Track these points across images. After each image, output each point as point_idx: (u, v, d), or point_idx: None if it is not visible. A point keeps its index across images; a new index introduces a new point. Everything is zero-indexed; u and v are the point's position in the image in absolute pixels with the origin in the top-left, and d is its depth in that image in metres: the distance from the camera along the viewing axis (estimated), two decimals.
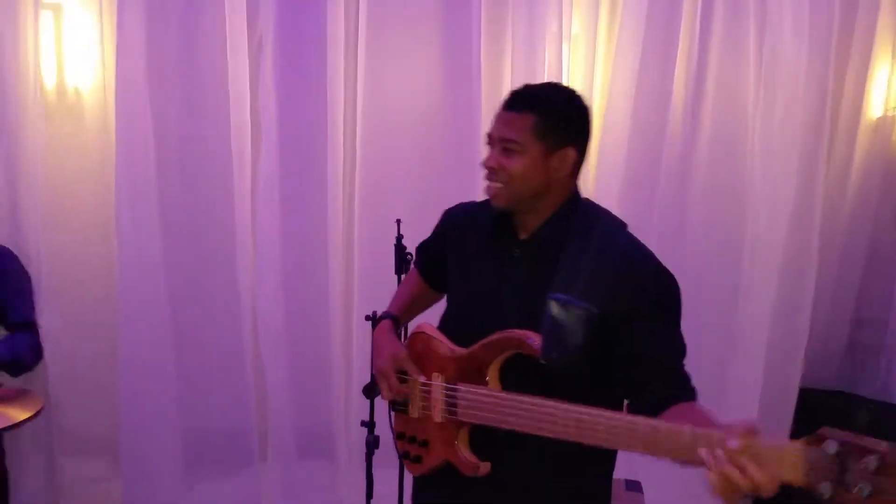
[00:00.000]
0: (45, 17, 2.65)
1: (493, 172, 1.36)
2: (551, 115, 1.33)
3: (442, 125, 2.66)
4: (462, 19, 2.58)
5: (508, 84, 2.62)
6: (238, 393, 2.65)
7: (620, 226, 1.39)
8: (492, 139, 1.37)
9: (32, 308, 2.41)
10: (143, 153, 2.53)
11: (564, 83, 1.59)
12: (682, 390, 1.27)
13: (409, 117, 2.65)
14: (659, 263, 1.33)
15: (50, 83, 2.70)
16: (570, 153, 1.34)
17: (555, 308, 1.28)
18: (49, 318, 2.46)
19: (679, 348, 1.31)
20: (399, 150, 2.67)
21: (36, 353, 2.39)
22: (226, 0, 2.53)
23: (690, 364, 1.30)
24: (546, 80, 2.43)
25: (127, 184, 2.51)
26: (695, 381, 1.29)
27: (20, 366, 2.33)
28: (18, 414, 1.97)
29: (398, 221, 2.16)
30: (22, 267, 2.44)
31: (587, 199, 1.44)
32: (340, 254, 2.68)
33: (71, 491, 2.70)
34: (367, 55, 2.60)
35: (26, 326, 2.38)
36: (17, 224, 2.52)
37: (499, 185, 1.35)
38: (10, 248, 2.45)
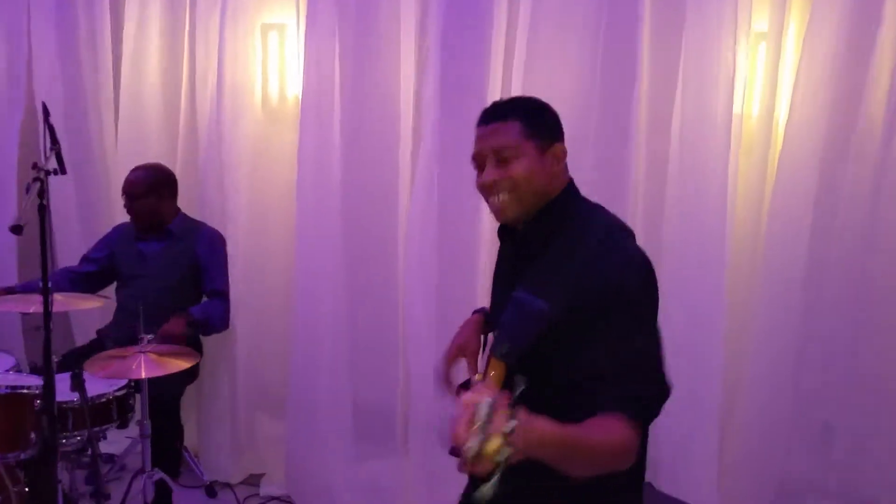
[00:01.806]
0: (272, 36, 3.14)
1: (492, 188, 1.36)
2: (534, 117, 1.37)
3: (598, 132, 2.59)
4: (625, 24, 2.49)
5: (678, 88, 2.47)
6: (388, 379, 2.86)
7: (604, 225, 1.35)
8: (480, 157, 1.38)
9: (226, 281, 2.89)
10: (326, 153, 2.83)
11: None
12: (607, 401, 1.17)
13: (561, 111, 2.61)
14: (623, 266, 1.25)
15: (273, 93, 3.18)
16: (560, 147, 1.38)
17: (512, 304, 1.27)
18: (239, 290, 2.91)
19: (626, 355, 1.21)
20: None
21: (223, 319, 2.86)
22: (401, 24, 2.76)
23: None
24: (722, 82, 2.35)
25: (308, 179, 2.83)
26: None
27: (209, 327, 2.82)
28: (183, 364, 2.40)
29: None
30: (225, 247, 2.92)
31: (584, 198, 1.42)
32: (491, 252, 2.74)
33: (251, 444, 3.15)
34: (527, 56, 2.63)
35: (220, 295, 2.87)
36: (225, 212, 2.99)
37: (504, 196, 1.34)
38: (220, 230, 2.96)
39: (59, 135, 3.07)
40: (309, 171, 2.83)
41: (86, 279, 2.91)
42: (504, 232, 1.47)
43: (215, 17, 2.96)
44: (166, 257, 2.87)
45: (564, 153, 1.39)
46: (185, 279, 2.87)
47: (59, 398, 2.24)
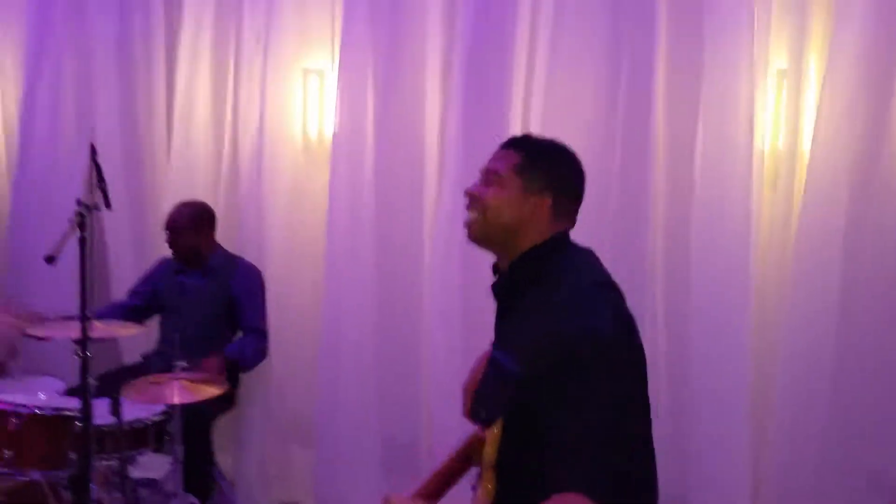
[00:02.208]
0: (312, 80, 3.31)
1: (471, 201, 1.41)
2: (536, 160, 1.38)
3: (619, 163, 2.63)
4: (643, 59, 2.54)
5: (697, 117, 2.51)
6: (414, 413, 2.92)
7: (578, 283, 1.30)
8: (481, 172, 1.43)
9: (262, 317, 3.01)
10: (356, 190, 2.95)
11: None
12: (562, 478, 1.15)
13: (578, 146, 2.66)
14: (585, 327, 1.21)
15: (312, 134, 3.34)
16: (546, 201, 1.35)
17: (490, 363, 1.30)
18: (273, 322, 3.04)
19: (579, 427, 1.17)
20: None
21: (257, 356, 2.98)
22: (426, 63, 2.88)
23: None
24: (742, 116, 2.37)
25: (339, 217, 2.96)
26: None
27: (242, 366, 2.95)
28: (214, 391, 2.51)
29: None
30: (262, 282, 3.06)
31: (575, 250, 1.40)
32: None
33: (284, 474, 3.23)
34: (546, 87, 2.70)
35: (255, 331, 2.99)
36: (262, 248, 3.15)
37: (473, 214, 1.39)
38: (258, 266, 3.11)
39: (118, 176, 3.32)
40: (340, 209, 2.96)
41: (133, 311, 3.08)
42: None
43: (258, 63, 3.15)
44: (204, 291, 3.02)
45: (549, 208, 1.35)
46: (222, 313, 3.01)
47: (98, 421, 2.39)
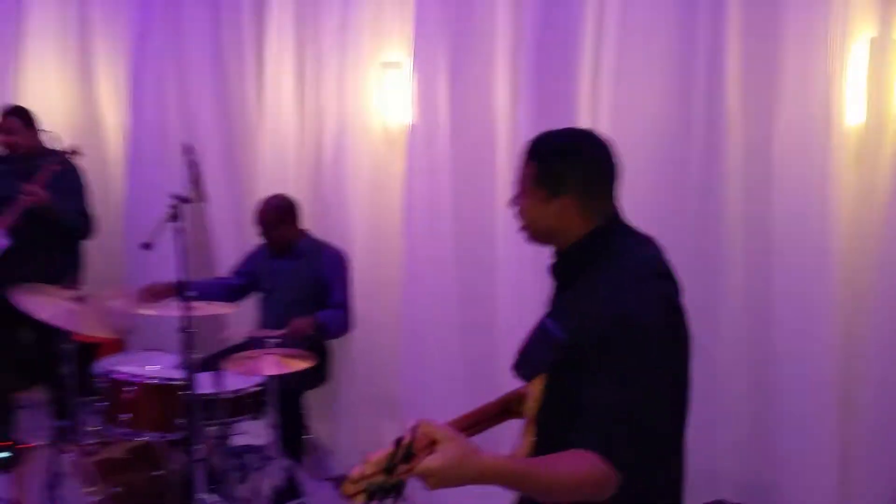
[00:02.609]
0: (391, 73, 3.45)
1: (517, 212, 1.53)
2: (550, 165, 1.44)
3: (688, 139, 2.61)
4: (713, 27, 2.50)
5: (776, 93, 2.46)
6: (491, 384, 3.02)
7: (623, 268, 1.38)
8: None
9: (348, 294, 3.22)
10: (432, 179, 3.10)
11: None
12: (580, 438, 1.26)
13: (651, 131, 2.68)
14: (625, 309, 1.30)
15: (392, 125, 3.47)
16: (567, 202, 1.41)
17: (538, 328, 1.44)
18: (357, 304, 3.25)
19: (606, 403, 1.27)
20: (640, 166, 2.72)
21: (343, 326, 3.19)
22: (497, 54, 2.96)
23: None
24: (826, 89, 2.30)
25: (415, 203, 3.13)
26: None
27: (329, 331, 3.16)
28: (302, 364, 2.73)
29: None
30: (347, 264, 3.27)
31: (629, 235, 1.46)
32: None
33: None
34: (616, 73, 2.72)
35: (341, 306, 3.20)
36: (346, 233, 3.37)
37: (521, 223, 1.50)
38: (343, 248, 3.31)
39: (218, 167, 3.60)
40: (416, 195, 3.13)
41: (236, 289, 3.36)
42: None
43: (336, 59, 3.34)
44: (295, 274, 3.27)
45: (574, 207, 1.41)
46: (311, 293, 3.25)
47: (203, 391, 2.66)
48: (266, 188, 3.46)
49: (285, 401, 2.99)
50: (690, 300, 2.23)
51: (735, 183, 2.55)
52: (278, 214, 3.24)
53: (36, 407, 4.14)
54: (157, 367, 2.86)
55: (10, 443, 3.61)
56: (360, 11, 3.26)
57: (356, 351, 3.34)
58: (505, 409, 1.63)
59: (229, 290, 3.33)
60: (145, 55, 3.91)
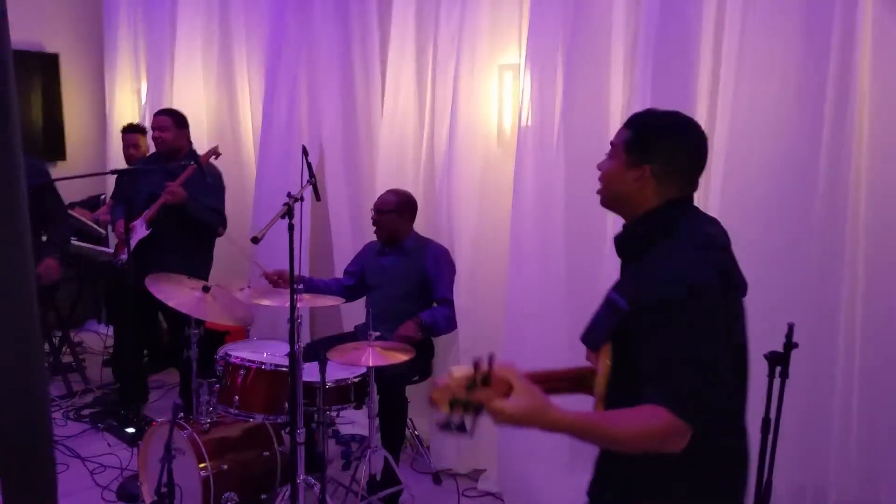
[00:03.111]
0: (507, 75, 3.49)
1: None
2: (640, 134, 1.52)
3: (810, 144, 2.48)
4: (841, 28, 2.38)
5: None
6: None
7: (688, 239, 1.45)
8: None
9: (451, 289, 3.28)
10: (542, 182, 3.09)
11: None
12: (649, 394, 1.34)
13: (773, 133, 2.58)
14: (684, 283, 1.37)
15: (507, 127, 3.51)
16: (646, 172, 1.49)
17: (605, 300, 1.51)
18: (462, 301, 3.29)
19: (669, 361, 1.35)
20: (760, 169, 2.62)
21: (449, 323, 3.25)
22: (611, 56, 2.94)
23: None
24: None
25: (523, 206, 3.12)
26: None
27: (436, 329, 3.23)
28: (402, 357, 2.81)
29: None
30: (450, 260, 3.34)
31: (694, 215, 1.52)
32: None
33: (476, 441, 3.44)
34: (736, 77, 2.63)
35: (446, 302, 3.27)
36: (453, 232, 3.41)
37: (600, 185, 1.59)
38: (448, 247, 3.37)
39: (339, 165, 3.78)
40: (525, 196, 3.11)
41: (348, 290, 3.52)
42: None
43: (453, 62, 3.40)
44: (400, 270, 3.37)
45: (649, 178, 1.49)
46: (415, 288, 3.35)
47: (308, 379, 2.80)
48: (383, 188, 3.58)
49: (387, 393, 3.09)
50: (812, 307, 2.14)
51: (861, 188, 2.45)
52: (397, 205, 3.37)
53: (167, 388, 4.53)
54: (269, 353, 3.03)
55: (139, 419, 3.95)
56: (478, 16, 3.31)
57: (459, 347, 3.38)
58: (578, 380, 1.67)
59: (343, 290, 3.49)
60: (279, 62, 4.14)
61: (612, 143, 1.57)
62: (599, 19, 2.95)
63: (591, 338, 1.52)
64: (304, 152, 2.88)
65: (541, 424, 1.27)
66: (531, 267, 3.11)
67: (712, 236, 1.48)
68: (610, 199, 1.57)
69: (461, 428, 1.26)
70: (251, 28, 4.51)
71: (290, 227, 2.59)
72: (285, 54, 4.10)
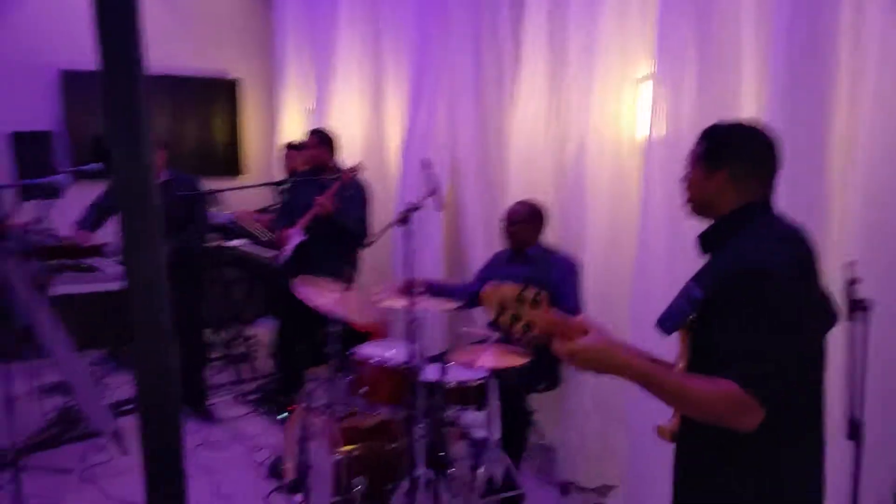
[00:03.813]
0: (644, 87, 3.50)
1: None
2: (715, 144, 1.68)
3: None
4: None
5: None
6: None
7: (762, 236, 1.55)
8: None
9: (578, 299, 3.34)
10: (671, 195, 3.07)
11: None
12: (721, 371, 1.43)
13: None
14: (757, 267, 1.46)
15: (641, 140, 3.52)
16: (720, 176, 1.63)
17: (683, 289, 1.61)
18: (589, 309, 3.34)
19: (742, 343, 1.43)
20: None
21: None
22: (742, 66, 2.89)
23: None
24: None
25: (651, 220, 3.12)
26: None
27: None
28: (518, 361, 2.92)
29: None
30: (578, 270, 3.40)
31: (772, 216, 1.63)
32: None
33: (606, 456, 3.48)
34: (876, 80, 2.51)
35: (572, 312, 3.31)
36: (581, 242, 3.49)
37: (686, 195, 1.74)
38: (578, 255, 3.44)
39: (472, 176, 3.97)
40: (653, 207, 3.11)
41: (476, 294, 3.67)
42: None
43: (583, 74, 3.48)
44: (527, 278, 3.43)
45: (724, 181, 1.63)
46: None
47: (429, 378, 2.99)
48: (514, 198, 3.71)
49: (509, 397, 3.20)
50: None
51: None
52: (527, 216, 3.49)
53: (320, 381, 4.93)
54: (395, 352, 3.26)
55: (293, 407, 4.36)
56: (609, 29, 3.37)
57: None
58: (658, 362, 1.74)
59: (468, 295, 3.65)
60: (421, 82, 4.41)
61: (690, 157, 1.71)
62: (728, 28, 2.91)
63: (667, 324, 1.62)
64: (425, 165, 3.08)
65: (614, 364, 1.43)
66: (657, 278, 3.10)
67: (790, 231, 1.58)
68: (696, 206, 1.70)
69: (507, 333, 1.44)
70: (399, 52, 4.82)
71: (408, 234, 2.80)
72: (427, 75, 4.35)
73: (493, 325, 1.44)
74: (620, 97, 3.47)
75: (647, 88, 3.41)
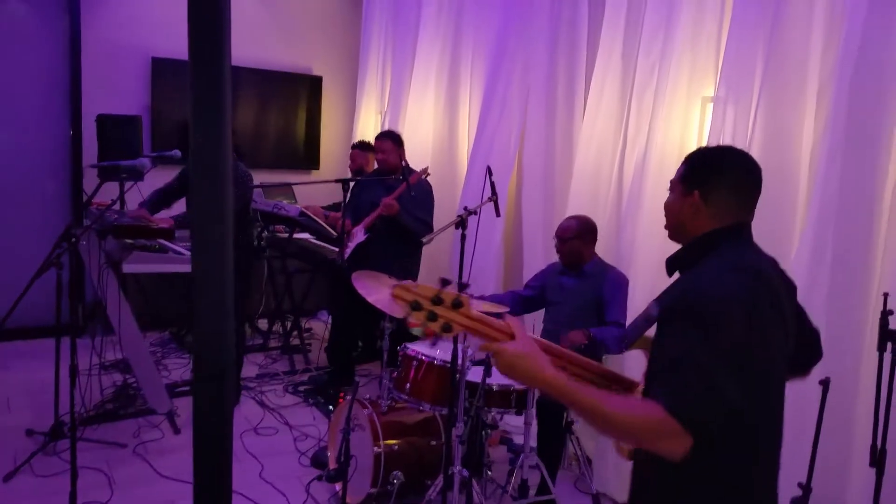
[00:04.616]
0: (705, 107, 3.46)
1: None
2: (689, 166, 1.63)
3: None
4: None
5: None
6: None
7: (722, 260, 1.50)
8: None
9: (624, 314, 3.32)
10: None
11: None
12: (653, 390, 1.41)
13: None
14: (701, 294, 1.42)
15: None
16: (696, 199, 1.57)
17: (644, 311, 1.64)
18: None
19: (672, 365, 1.38)
20: None
21: (616, 343, 3.29)
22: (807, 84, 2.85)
23: None
24: None
25: None
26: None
27: (603, 345, 3.29)
28: None
29: None
30: (627, 287, 3.39)
31: (735, 247, 1.54)
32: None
33: None
34: None
35: (617, 324, 3.31)
36: (633, 260, 3.48)
37: (665, 217, 1.70)
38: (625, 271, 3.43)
39: (538, 185, 4.00)
40: None
41: (526, 301, 3.70)
42: None
43: (651, 90, 3.46)
44: (579, 291, 3.47)
45: (696, 203, 1.57)
46: (591, 309, 3.42)
47: (472, 378, 3.03)
48: (574, 211, 3.72)
49: (549, 405, 3.22)
50: None
51: None
52: (577, 231, 3.49)
53: (373, 377, 5.02)
54: (441, 351, 3.30)
55: (341, 400, 4.45)
56: (678, 47, 3.35)
57: (625, 370, 3.40)
58: (610, 379, 1.68)
59: (519, 300, 3.68)
60: (494, 89, 4.47)
61: (671, 181, 1.67)
62: (796, 50, 2.88)
63: (622, 341, 1.63)
64: (489, 172, 3.13)
65: (534, 377, 1.38)
66: None
67: (749, 261, 1.50)
68: (671, 228, 1.66)
69: (416, 333, 1.38)
70: (476, 60, 4.90)
71: (463, 238, 2.84)
72: (501, 83, 4.41)
73: (402, 322, 1.38)
74: (687, 115, 3.45)
75: (712, 107, 3.38)
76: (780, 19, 2.88)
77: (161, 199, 4.38)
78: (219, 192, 1.67)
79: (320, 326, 6.13)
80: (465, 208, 2.93)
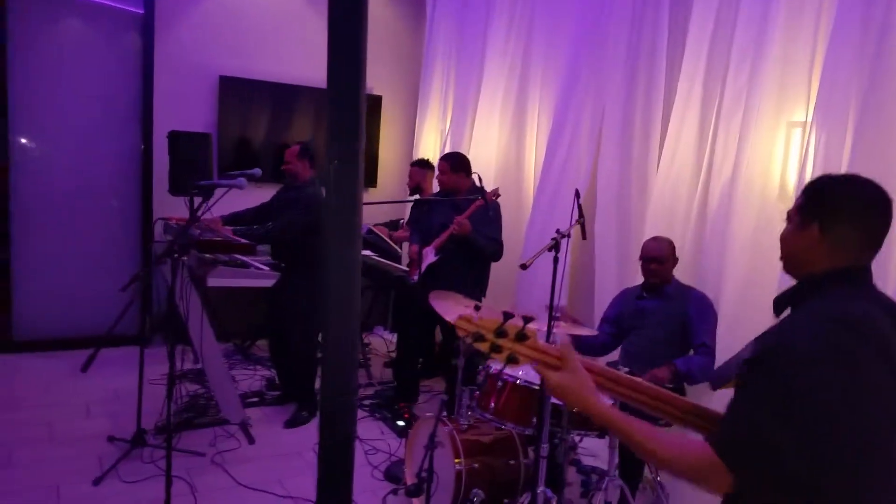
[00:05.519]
0: (796, 133, 3.46)
1: None
2: (813, 196, 1.50)
3: None
4: None
5: None
6: None
7: (821, 312, 1.37)
8: None
9: (713, 336, 3.31)
10: None
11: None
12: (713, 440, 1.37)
13: None
14: (783, 344, 1.33)
15: (790, 184, 3.47)
16: (813, 230, 1.46)
17: (741, 350, 1.60)
18: (723, 345, 3.29)
19: (735, 412, 1.36)
20: None
21: (704, 374, 3.28)
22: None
23: None
24: None
25: None
26: None
27: (691, 378, 3.28)
28: None
29: None
30: (713, 308, 3.38)
31: (849, 287, 1.44)
32: None
33: None
34: None
35: (705, 348, 3.30)
36: (720, 283, 3.45)
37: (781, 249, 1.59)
38: (711, 296, 3.42)
39: (611, 213, 4.02)
40: None
41: (613, 338, 3.68)
42: None
43: (738, 117, 3.47)
44: (662, 314, 3.46)
45: (815, 237, 1.45)
46: (675, 333, 3.41)
47: (556, 400, 3.04)
48: (651, 233, 3.74)
49: None
50: None
51: None
52: (668, 252, 3.50)
53: (433, 393, 5.06)
54: (524, 372, 3.33)
55: (408, 415, 4.50)
56: (768, 72, 3.36)
57: (712, 398, 3.39)
58: (693, 413, 1.60)
59: (601, 348, 3.68)
60: (566, 113, 4.50)
61: (787, 211, 1.57)
62: (892, 78, 2.87)
63: (715, 380, 1.59)
64: (577, 195, 3.17)
65: (581, 405, 1.42)
66: None
67: (852, 314, 1.35)
68: (786, 261, 1.55)
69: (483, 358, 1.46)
70: (546, 83, 4.94)
71: (556, 260, 2.88)
72: (573, 105, 4.44)
73: (470, 345, 1.42)
74: (773, 141, 3.44)
75: (801, 133, 3.38)
76: (883, 44, 2.86)
77: (231, 220, 4.52)
78: (352, 219, 1.72)
79: (379, 342, 6.19)
80: (558, 231, 2.96)
